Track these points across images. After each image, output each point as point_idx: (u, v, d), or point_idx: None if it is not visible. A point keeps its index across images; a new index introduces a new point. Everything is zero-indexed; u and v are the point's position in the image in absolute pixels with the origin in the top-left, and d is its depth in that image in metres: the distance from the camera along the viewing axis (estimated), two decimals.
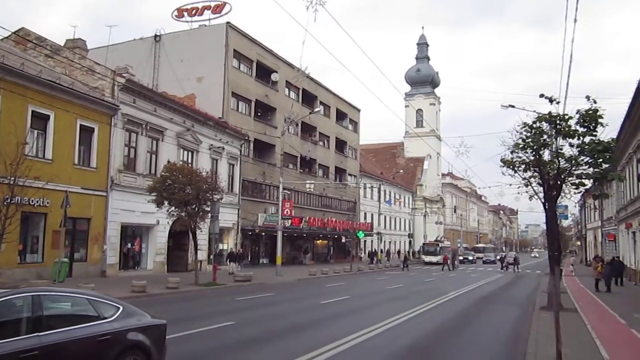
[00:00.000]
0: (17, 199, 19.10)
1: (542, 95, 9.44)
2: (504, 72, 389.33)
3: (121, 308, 6.52)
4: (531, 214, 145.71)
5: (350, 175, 59.19)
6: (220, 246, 34.69)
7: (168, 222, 27.41)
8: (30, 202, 20.68)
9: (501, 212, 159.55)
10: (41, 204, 21.56)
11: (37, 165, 20.55)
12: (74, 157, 24.03)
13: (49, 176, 21.12)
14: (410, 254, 68.29)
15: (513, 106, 22.41)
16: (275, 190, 40.18)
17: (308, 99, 49.83)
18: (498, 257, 52.33)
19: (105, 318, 6.18)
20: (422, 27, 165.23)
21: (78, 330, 5.76)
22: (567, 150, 9.90)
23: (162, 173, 23.90)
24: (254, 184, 40.81)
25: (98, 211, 25.16)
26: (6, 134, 19.90)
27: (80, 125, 24.33)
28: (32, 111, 21.81)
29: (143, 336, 6.48)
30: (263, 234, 41.63)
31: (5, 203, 18.51)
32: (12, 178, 18.60)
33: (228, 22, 38.61)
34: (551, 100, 9.33)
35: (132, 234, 28.70)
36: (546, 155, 10.48)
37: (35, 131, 22.17)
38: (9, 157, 18.61)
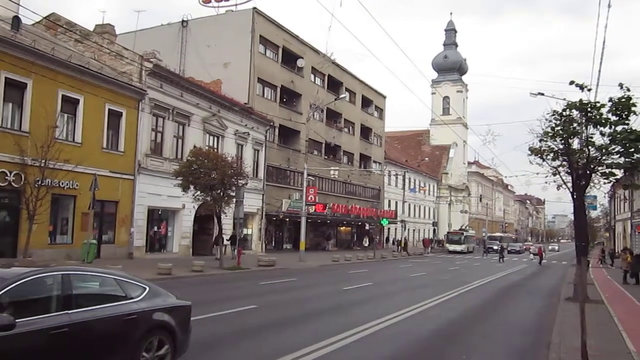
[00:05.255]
0: (48, 181, 19.59)
1: (572, 82, 9.18)
2: (534, 60, 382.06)
3: (147, 288, 6.63)
4: (558, 204, 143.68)
5: (375, 162, 58.96)
6: (245, 231, 35.03)
7: (194, 206, 27.76)
8: (60, 184, 21.15)
9: (528, 201, 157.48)
10: (70, 187, 22.01)
11: (66, 148, 21.00)
12: (102, 141, 24.43)
13: (78, 159, 21.53)
14: (435, 242, 67.97)
15: (542, 94, 21.94)
16: (299, 177, 40.29)
17: (333, 85, 49.67)
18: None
19: (132, 298, 6.29)
20: (451, 14, 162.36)
21: (106, 309, 5.88)
22: (598, 139, 9.64)
23: (188, 158, 24.16)
24: (279, 169, 40.98)
25: (125, 194, 25.59)
26: (37, 118, 20.35)
27: (109, 109, 24.69)
28: (62, 95, 22.20)
29: (168, 316, 6.58)
30: (287, 219, 41.85)
31: (36, 185, 19.02)
32: (43, 160, 19.08)
33: (254, 8, 38.59)
34: (582, 88, 9.06)
35: (159, 217, 29.15)
36: (575, 144, 10.23)
37: (65, 115, 22.59)
38: (39, 140, 19.08)
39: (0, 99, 19.72)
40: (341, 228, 55.07)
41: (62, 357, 5.24)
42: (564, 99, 9.72)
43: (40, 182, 19.16)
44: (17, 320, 4.67)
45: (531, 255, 54.44)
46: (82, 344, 5.45)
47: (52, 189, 20.32)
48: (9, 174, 19.60)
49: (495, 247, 59.56)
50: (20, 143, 19.80)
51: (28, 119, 20.60)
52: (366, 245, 47.58)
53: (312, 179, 41.82)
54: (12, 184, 19.72)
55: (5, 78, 19.82)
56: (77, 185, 22.23)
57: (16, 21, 21.95)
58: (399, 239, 55.79)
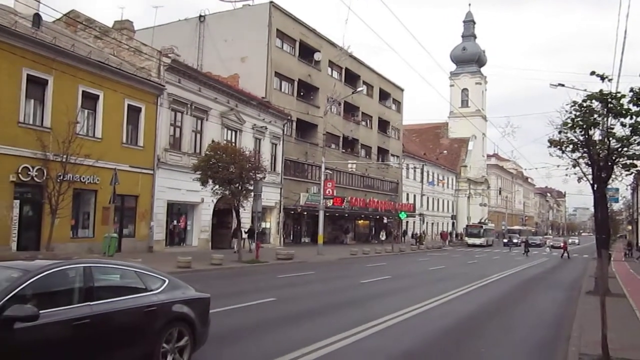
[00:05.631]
0: (69, 176, 19.90)
1: (593, 73, 9.04)
2: (555, 51, 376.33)
3: (167, 281, 6.70)
4: (580, 197, 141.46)
5: (392, 155, 58.76)
6: (263, 225, 35.21)
7: (212, 200, 27.96)
8: (81, 179, 21.48)
9: (548, 194, 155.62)
10: (91, 181, 22.34)
11: (87, 143, 21.31)
12: (122, 136, 24.72)
13: (99, 154, 21.84)
14: (453, 235, 67.64)
15: (563, 85, 21.66)
16: (317, 170, 40.32)
17: (351, 78, 49.52)
18: None
19: (152, 290, 6.36)
20: (469, 4, 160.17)
21: (126, 301, 5.96)
22: (619, 130, 9.52)
23: (207, 152, 24.31)
24: (297, 163, 41.06)
25: (145, 189, 25.88)
26: (58, 114, 20.66)
27: (128, 104, 24.96)
28: (83, 91, 22.50)
29: (188, 308, 6.65)
30: (305, 213, 41.98)
31: (58, 180, 19.33)
32: (64, 156, 19.38)
33: (271, 2, 38.59)
34: (603, 78, 8.92)
35: (178, 211, 29.42)
36: (596, 135, 10.12)
37: (86, 110, 22.88)
38: (61, 136, 19.38)
39: (23, 95, 20.06)
40: (359, 222, 55.03)
41: (84, 348, 5.33)
42: (585, 90, 9.59)
43: (62, 177, 19.47)
44: (40, 312, 4.77)
45: (547, 248, 53.64)
46: (104, 335, 5.54)
47: (73, 183, 20.64)
48: (31, 169, 19.96)
49: (515, 240, 59.17)
50: (42, 139, 20.13)
51: (49, 115, 20.93)
52: (383, 238, 47.44)
53: (330, 172, 41.80)
54: (35, 179, 20.07)
55: (27, 75, 20.14)
56: (97, 180, 22.54)
57: (37, 18, 22.24)
58: (417, 232, 55.59)
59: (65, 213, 20.11)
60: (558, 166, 11.89)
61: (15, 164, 19.55)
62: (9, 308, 4.61)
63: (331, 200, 40.23)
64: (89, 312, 5.36)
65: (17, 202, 19.99)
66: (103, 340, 5.54)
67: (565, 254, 41.76)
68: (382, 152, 56.69)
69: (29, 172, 19.92)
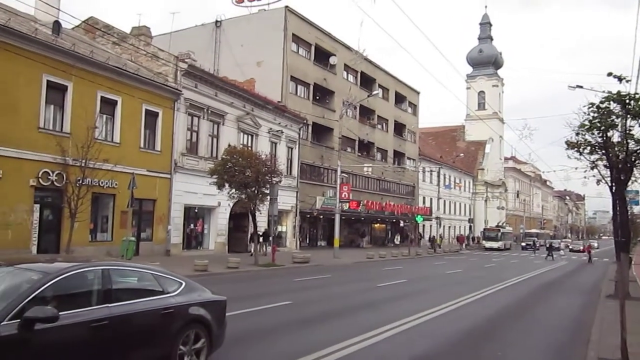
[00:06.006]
0: (88, 181, 20.15)
1: (610, 74, 8.93)
2: (573, 52, 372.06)
3: (184, 284, 6.76)
4: (600, 200, 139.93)
5: (409, 158, 58.55)
6: (279, 228, 35.30)
7: (229, 204, 28.12)
8: (100, 183, 21.72)
9: (567, 197, 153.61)
10: (110, 186, 22.60)
11: (105, 148, 21.57)
12: (139, 141, 24.97)
13: (117, 159, 22.10)
14: (471, 239, 67.16)
15: (581, 87, 21.42)
16: (333, 174, 40.34)
17: (366, 82, 49.49)
18: None
19: (169, 292, 6.42)
20: (485, 6, 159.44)
21: (144, 303, 6.03)
22: (638, 132, 9.41)
23: (223, 156, 24.46)
24: (312, 167, 41.10)
25: (162, 193, 26.10)
26: (77, 119, 20.96)
27: (146, 109, 25.22)
28: (101, 96, 22.80)
29: (204, 311, 6.70)
30: (321, 216, 42.00)
31: (77, 184, 19.60)
32: (83, 160, 19.66)
33: (287, 6, 38.78)
34: (620, 79, 8.82)
35: (195, 215, 29.61)
36: (615, 137, 10.01)
37: (104, 116, 23.18)
38: (80, 141, 19.65)
39: (43, 101, 20.39)
40: (375, 225, 54.86)
41: (103, 349, 5.41)
42: (604, 91, 9.48)
43: (81, 182, 19.74)
44: (60, 313, 4.85)
45: (561, 251, 52.90)
46: (122, 337, 5.62)
47: (92, 188, 20.90)
48: (51, 174, 20.28)
49: (536, 244, 58.43)
50: (62, 144, 20.44)
51: (69, 120, 21.24)
52: (397, 242, 47.17)
53: (346, 176, 41.78)
54: (55, 183, 20.39)
55: (47, 81, 20.48)
56: (116, 184, 22.80)
57: (57, 26, 22.61)
58: (434, 235, 55.31)
59: (84, 217, 20.37)
60: (576, 168, 11.79)
61: (36, 169, 19.88)
62: (30, 309, 4.70)
63: (347, 204, 40.21)
64: (107, 313, 5.44)
65: (37, 206, 20.32)
66: (121, 341, 5.62)
67: (587, 258, 41.11)
68: (398, 155, 56.51)
69: (49, 177, 20.24)
